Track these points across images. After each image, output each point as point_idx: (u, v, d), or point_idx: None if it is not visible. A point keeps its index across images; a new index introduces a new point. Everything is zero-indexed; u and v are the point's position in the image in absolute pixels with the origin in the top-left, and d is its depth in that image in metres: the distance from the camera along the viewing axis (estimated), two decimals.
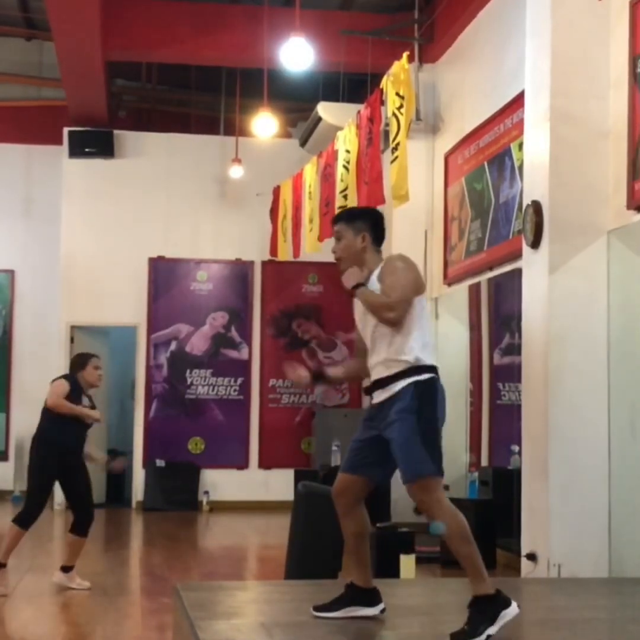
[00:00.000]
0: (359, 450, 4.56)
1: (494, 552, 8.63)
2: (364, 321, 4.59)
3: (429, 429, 4.36)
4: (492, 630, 4.16)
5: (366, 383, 4.67)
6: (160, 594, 7.31)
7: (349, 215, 4.79)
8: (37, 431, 7.62)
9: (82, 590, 7.49)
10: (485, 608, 4.21)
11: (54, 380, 7.75)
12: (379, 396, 4.48)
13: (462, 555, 4.29)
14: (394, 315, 4.38)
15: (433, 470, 4.32)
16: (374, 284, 4.50)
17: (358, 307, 4.64)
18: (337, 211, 9.96)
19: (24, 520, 7.49)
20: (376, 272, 4.54)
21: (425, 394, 4.39)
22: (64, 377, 7.76)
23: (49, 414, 7.54)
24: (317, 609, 4.62)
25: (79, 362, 7.82)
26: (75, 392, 7.59)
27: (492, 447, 10.50)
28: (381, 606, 4.65)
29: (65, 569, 7.61)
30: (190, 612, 4.66)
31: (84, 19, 10.29)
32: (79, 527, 7.61)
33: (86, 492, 7.64)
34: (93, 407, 7.69)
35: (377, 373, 4.51)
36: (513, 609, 4.23)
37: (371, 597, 4.64)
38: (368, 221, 4.69)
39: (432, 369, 4.45)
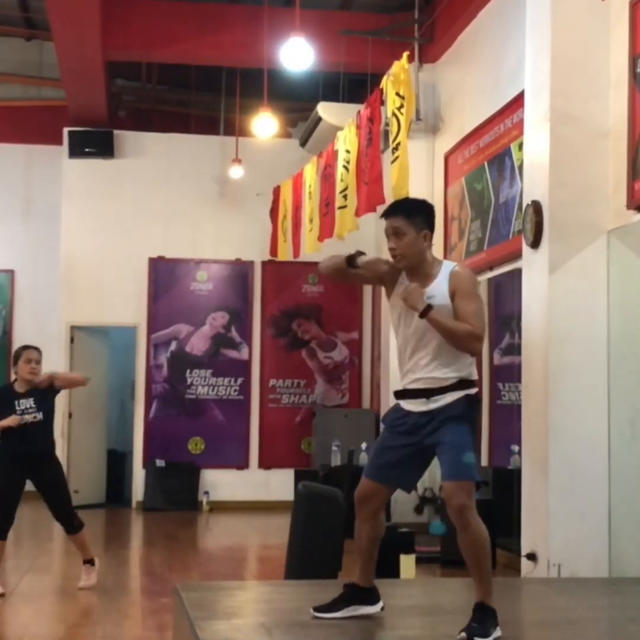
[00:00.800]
0: (388, 457, 4.53)
1: (494, 552, 8.62)
2: (411, 321, 4.46)
3: (474, 440, 4.42)
4: (497, 633, 4.26)
5: (392, 384, 4.67)
6: (160, 594, 7.31)
7: (408, 210, 4.58)
8: None
9: (83, 590, 7.50)
10: (492, 615, 4.31)
11: None
12: (429, 404, 4.42)
13: (482, 566, 4.36)
14: (479, 346, 4.41)
15: (478, 477, 4.36)
16: (442, 291, 4.40)
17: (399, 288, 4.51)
18: (338, 209, 9.98)
19: None
20: (443, 279, 4.43)
21: (473, 407, 4.45)
22: None
23: None
24: (318, 609, 4.62)
25: (13, 357, 7.64)
26: (6, 400, 7.42)
27: (492, 447, 10.50)
28: (381, 604, 4.66)
29: (86, 562, 7.62)
30: (190, 612, 4.66)
31: (84, 19, 10.29)
32: (66, 525, 7.59)
33: (58, 489, 7.55)
34: (42, 403, 7.44)
35: (423, 382, 4.45)
36: (499, 631, 4.31)
37: (371, 596, 4.65)
38: (428, 217, 4.56)
39: (476, 384, 4.50)
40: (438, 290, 4.42)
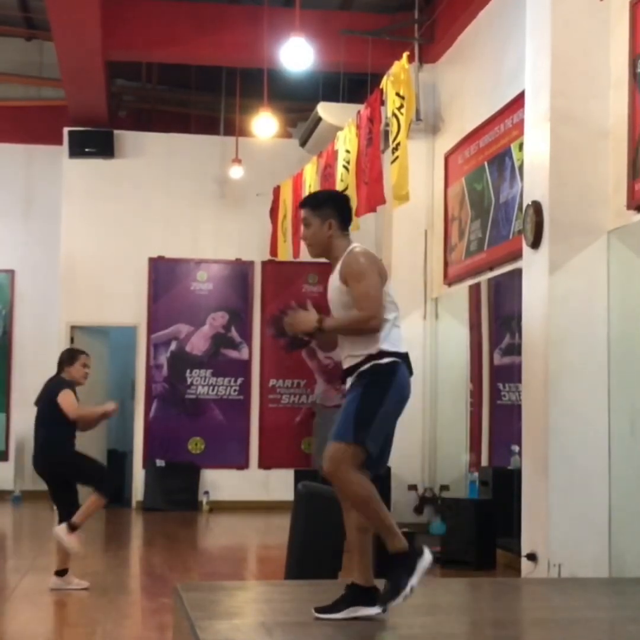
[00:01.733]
0: None
1: (494, 552, 8.63)
2: (332, 310, 4.70)
3: (369, 400, 4.42)
4: (413, 581, 4.34)
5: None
6: (160, 594, 7.30)
7: (314, 202, 4.81)
8: (50, 439, 7.57)
9: (82, 590, 7.48)
10: (402, 562, 4.37)
11: (52, 385, 7.69)
12: (347, 383, 4.62)
13: (371, 517, 4.41)
14: (375, 323, 4.48)
15: (352, 438, 4.36)
16: (336, 277, 4.58)
17: (331, 286, 4.68)
18: None
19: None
20: (339, 266, 4.59)
21: (381, 375, 4.47)
22: (61, 385, 7.65)
23: (58, 429, 7.52)
24: (319, 610, 4.60)
25: (68, 357, 7.83)
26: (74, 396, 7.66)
27: (492, 447, 10.50)
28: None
29: (60, 572, 7.56)
30: (191, 612, 4.65)
31: (84, 19, 10.29)
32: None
33: (73, 488, 7.66)
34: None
35: (347, 362, 4.62)
36: (427, 555, 4.39)
37: (372, 596, 4.63)
38: (334, 207, 4.73)
39: (395, 354, 4.51)
40: (335, 276, 4.62)
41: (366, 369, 4.48)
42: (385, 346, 4.51)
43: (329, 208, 4.71)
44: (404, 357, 4.55)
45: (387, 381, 4.47)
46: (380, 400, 4.43)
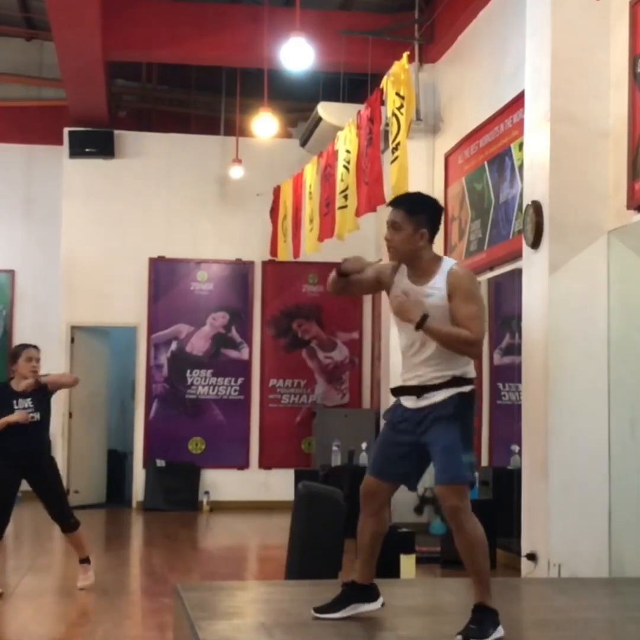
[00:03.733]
0: (389, 453, 4.54)
1: (494, 552, 8.63)
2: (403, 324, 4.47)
3: (468, 438, 4.39)
4: (497, 634, 4.26)
5: (392, 384, 4.65)
6: (160, 594, 7.31)
7: (411, 205, 4.51)
8: None
9: (82, 590, 7.49)
10: (491, 616, 4.31)
11: None
12: (419, 402, 4.43)
13: (479, 567, 4.36)
14: (477, 351, 4.38)
15: (471, 478, 4.36)
16: (439, 290, 4.38)
17: (398, 290, 4.48)
18: (338, 210, 9.98)
19: None
20: (441, 277, 4.40)
21: (467, 404, 4.41)
22: None
23: None
24: (318, 610, 4.61)
25: (12, 354, 7.61)
26: (4, 398, 7.41)
27: (492, 447, 10.50)
28: (381, 600, 4.65)
29: (82, 561, 7.60)
30: (191, 612, 4.66)
31: (84, 19, 10.28)
32: (62, 524, 7.59)
33: (53, 489, 7.60)
34: (40, 403, 7.45)
35: (418, 379, 4.44)
36: (502, 630, 4.31)
37: (370, 593, 4.64)
38: (430, 215, 4.50)
39: (473, 381, 4.46)
40: (435, 288, 4.40)
41: (453, 398, 4.36)
42: (470, 372, 4.44)
43: (425, 216, 4.48)
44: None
45: (472, 415, 4.44)
46: (471, 435, 4.42)
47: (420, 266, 4.47)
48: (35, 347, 7.61)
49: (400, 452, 4.49)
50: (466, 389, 4.40)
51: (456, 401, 4.36)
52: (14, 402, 7.43)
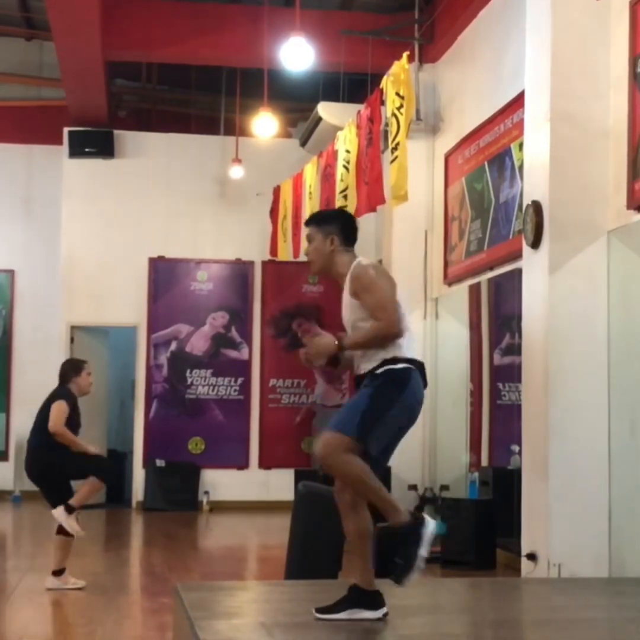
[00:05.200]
0: None
1: (494, 552, 8.63)
2: (347, 323, 4.66)
3: (379, 402, 4.40)
4: (422, 551, 4.33)
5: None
6: (160, 594, 7.30)
7: (318, 218, 4.86)
8: (31, 451, 7.60)
9: (79, 590, 7.47)
10: (408, 535, 4.35)
11: (56, 394, 7.64)
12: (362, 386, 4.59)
13: (369, 494, 4.40)
14: (395, 330, 4.45)
15: (354, 432, 4.33)
16: (346, 293, 4.58)
17: (344, 304, 4.67)
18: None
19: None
20: (347, 281, 4.59)
21: (396, 379, 4.46)
22: (62, 396, 7.61)
23: (49, 438, 7.48)
24: (320, 610, 4.60)
25: (73, 367, 7.79)
26: (74, 408, 7.59)
27: (492, 447, 10.50)
28: (384, 610, 4.61)
29: (57, 572, 7.54)
30: (191, 612, 4.65)
31: (84, 19, 10.29)
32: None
33: (67, 488, 7.66)
34: (78, 414, 7.68)
35: (362, 367, 4.58)
36: (430, 523, 4.37)
37: (374, 600, 4.61)
38: (337, 224, 4.74)
39: (409, 360, 4.50)
40: (346, 290, 4.61)
41: (380, 372, 4.46)
42: (400, 353, 4.50)
43: (332, 224, 4.73)
44: (419, 365, 4.53)
45: (401, 385, 4.45)
46: (391, 402, 4.42)
47: (339, 272, 4.68)
48: (88, 363, 7.96)
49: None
50: (397, 366, 4.48)
51: (383, 373, 4.46)
52: (78, 407, 7.69)
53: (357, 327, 4.56)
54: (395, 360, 4.47)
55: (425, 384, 4.57)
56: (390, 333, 4.45)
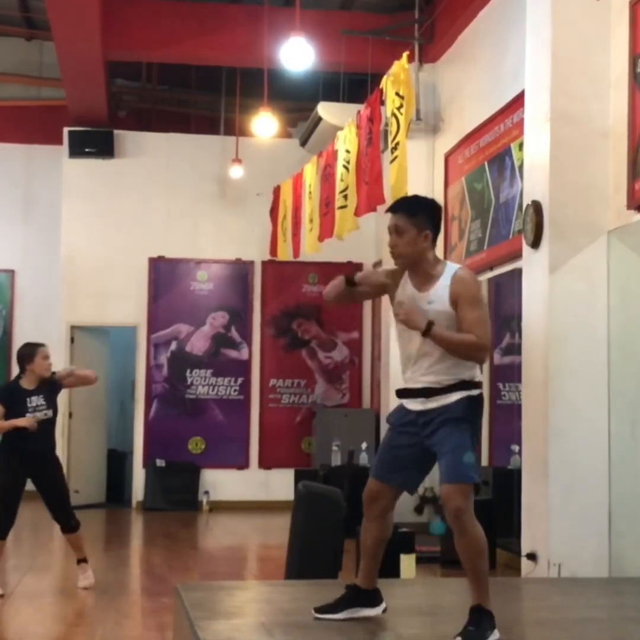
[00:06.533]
0: (392, 456, 4.51)
1: (494, 552, 8.62)
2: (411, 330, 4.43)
3: (475, 441, 4.37)
4: (494, 636, 4.25)
5: (392, 384, 4.65)
6: (160, 594, 7.31)
7: (410, 208, 4.48)
8: None
9: (83, 589, 7.49)
10: (489, 618, 4.30)
11: None
12: (426, 404, 4.40)
13: (479, 570, 4.34)
14: (483, 355, 4.37)
15: (476, 479, 4.32)
16: (443, 295, 4.36)
17: (402, 297, 4.44)
18: (338, 209, 9.98)
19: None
20: (445, 282, 4.37)
21: (476, 407, 4.39)
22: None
23: None
24: (319, 610, 4.60)
25: (26, 353, 7.56)
26: (16, 397, 7.41)
27: (492, 447, 10.50)
28: (383, 606, 4.64)
29: (80, 561, 7.61)
30: (191, 612, 4.66)
31: (84, 19, 10.29)
32: (63, 524, 7.59)
33: (58, 488, 7.57)
34: (51, 400, 7.50)
35: (425, 381, 4.41)
36: (497, 633, 4.30)
37: (373, 598, 4.63)
38: (431, 216, 4.46)
39: (481, 385, 4.44)
40: (439, 294, 4.37)
41: (462, 401, 4.33)
42: (477, 376, 4.42)
43: (426, 217, 4.44)
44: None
45: (480, 419, 4.43)
46: (478, 439, 4.41)
47: (425, 270, 4.43)
48: (44, 345, 7.64)
49: (403, 454, 4.47)
50: (475, 392, 4.37)
51: (465, 403, 4.33)
52: (28, 399, 7.43)
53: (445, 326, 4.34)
54: (472, 384, 4.36)
55: None
56: (482, 353, 4.34)
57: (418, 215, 4.42)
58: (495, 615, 4.33)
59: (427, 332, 4.27)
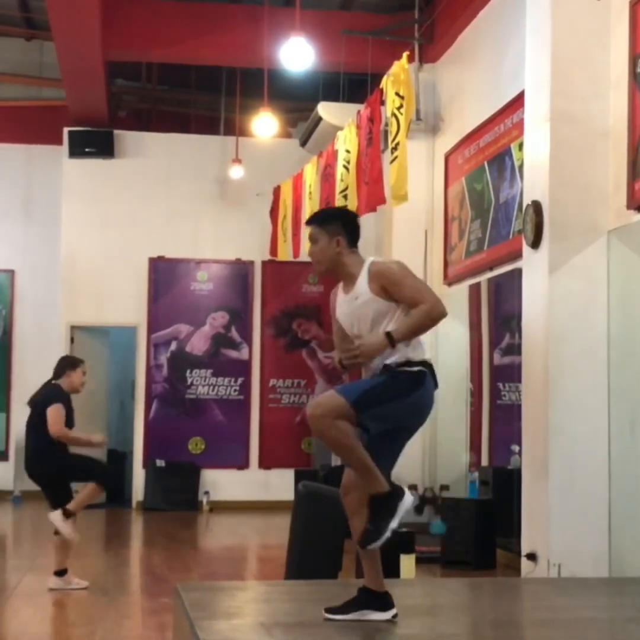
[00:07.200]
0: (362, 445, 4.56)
1: (494, 552, 8.63)
2: (357, 325, 4.57)
3: (385, 391, 4.38)
4: (394, 523, 4.29)
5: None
6: (160, 594, 7.30)
7: (321, 218, 4.76)
8: (42, 443, 7.53)
9: (82, 590, 7.48)
10: (383, 504, 4.33)
11: (50, 393, 7.63)
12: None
13: (352, 460, 4.42)
14: (442, 308, 4.47)
15: (350, 399, 4.29)
16: (364, 288, 4.51)
17: (340, 307, 4.63)
18: None
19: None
20: (363, 277, 4.53)
21: (410, 378, 4.43)
22: (57, 398, 7.62)
23: (47, 438, 7.50)
24: (329, 611, 4.59)
25: (70, 362, 7.83)
26: (69, 408, 7.62)
27: (492, 447, 10.50)
28: (393, 611, 4.61)
29: (60, 572, 7.54)
30: (190, 612, 4.65)
31: (84, 19, 10.29)
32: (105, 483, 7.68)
33: (67, 490, 7.64)
34: (72, 411, 7.71)
35: (376, 361, 4.53)
36: (407, 497, 4.35)
37: (383, 602, 4.61)
38: (341, 223, 4.67)
39: (423, 363, 4.48)
40: (362, 288, 4.53)
41: (394, 367, 4.43)
42: (413, 355, 4.47)
43: (337, 224, 4.64)
44: (431, 367, 4.51)
45: (412, 386, 4.43)
46: (398, 395, 4.39)
47: (347, 273, 4.61)
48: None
49: (366, 439, 4.53)
50: (413, 369, 4.45)
51: (396, 370, 4.42)
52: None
53: (378, 321, 4.48)
54: (409, 364, 4.43)
55: (436, 385, 4.54)
56: (438, 311, 4.44)
57: (329, 223, 4.64)
58: (495, 615, 4.32)
59: (392, 343, 4.40)
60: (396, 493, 4.36)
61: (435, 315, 4.45)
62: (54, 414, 7.50)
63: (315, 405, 4.36)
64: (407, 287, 4.45)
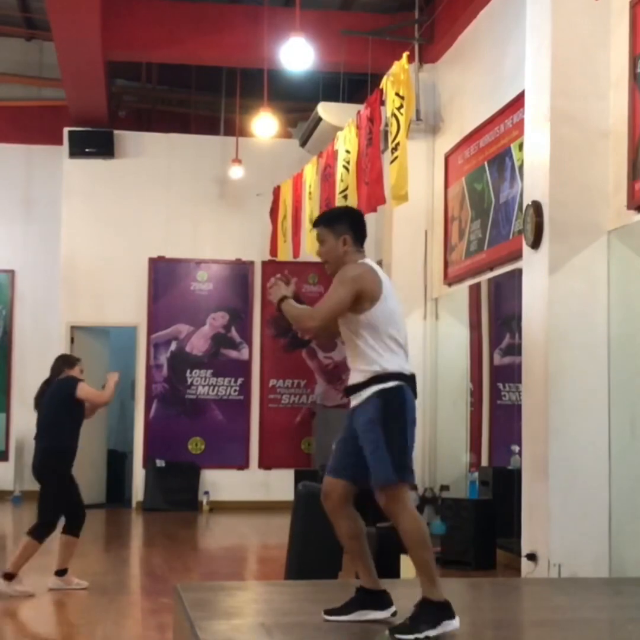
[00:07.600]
0: (341, 451, 4.64)
1: (494, 552, 8.63)
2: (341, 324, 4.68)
3: (395, 436, 4.40)
4: (431, 632, 4.23)
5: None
6: (160, 594, 7.31)
7: (328, 218, 4.79)
8: (55, 443, 7.52)
9: (81, 590, 7.47)
10: (431, 611, 4.28)
11: (62, 385, 7.66)
12: (353, 401, 4.57)
13: (419, 560, 4.36)
14: (311, 324, 4.61)
15: (395, 479, 4.35)
16: None
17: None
18: None
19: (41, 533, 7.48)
20: None
21: (391, 401, 4.43)
22: (75, 378, 7.73)
23: (69, 425, 7.53)
24: (329, 612, 4.60)
25: (66, 361, 7.90)
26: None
27: (492, 447, 10.50)
28: (392, 609, 4.62)
29: (60, 572, 7.55)
30: (191, 612, 4.65)
31: (84, 19, 10.29)
32: (73, 527, 7.58)
33: (77, 493, 7.61)
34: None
35: (351, 378, 4.59)
36: (456, 622, 4.29)
37: (381, 600, 4.61)
38: (348, 222, 4.70)
39: (399, 376, 4.47)
40: None
41: (372, 398, 4.42)
42: (391, 366, 4.46)
43: (343, 224, 4.68)
44: (409, 379, 4.51)
45: (400, 410, 4.44)
46: (402, 432, 4.43)
47: None
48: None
49: (348, 448, 4.58)
50: (389, 384, 4.43)
51: (375, 401, 4.42)
52: None
53: (345, 333, 4.67)
54: (386, 376, 4.43)
55: (415, 395, 4.56)
56: (307, 324, 4.62)
57: (335, 223, 4.69)
58: (495, 615, 4.32)
59: (278, 307, 4.62)
60: (448, 609, 4.30)
61: (301, 324, 4.64)
62: (86, 390, 7.65)
63: (385, 502, 4.37)
64: (327, 295, 4.61)
